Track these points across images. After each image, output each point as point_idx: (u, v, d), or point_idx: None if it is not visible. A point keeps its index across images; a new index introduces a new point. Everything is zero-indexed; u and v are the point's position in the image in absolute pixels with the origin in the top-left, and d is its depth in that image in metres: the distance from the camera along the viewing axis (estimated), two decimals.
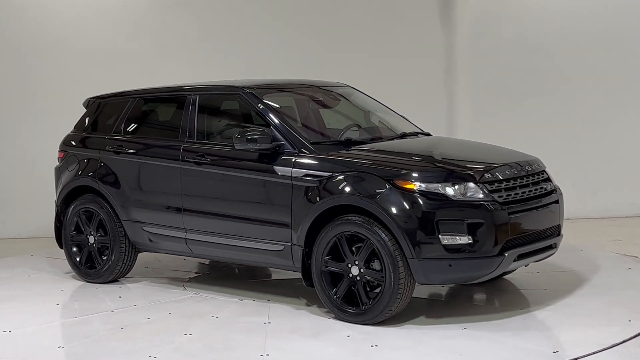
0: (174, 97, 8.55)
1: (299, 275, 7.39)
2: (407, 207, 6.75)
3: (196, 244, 8.07)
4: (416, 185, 6.80)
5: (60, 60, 11.85)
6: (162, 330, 7.07)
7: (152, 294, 8.27)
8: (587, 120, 11.88)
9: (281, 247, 7.46)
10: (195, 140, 8.11)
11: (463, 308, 7.50)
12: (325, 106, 8.64)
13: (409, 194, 6.78)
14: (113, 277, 8.75)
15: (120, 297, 8.25)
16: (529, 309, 7.35)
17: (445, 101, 12.07)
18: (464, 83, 12.03)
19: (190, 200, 8.04)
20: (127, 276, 8.93)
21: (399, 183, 6.86)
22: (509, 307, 7.41)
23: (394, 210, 6.77)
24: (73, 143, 9.14)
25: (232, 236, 7.78)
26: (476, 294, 7.99)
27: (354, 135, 8.10)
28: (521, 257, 7.00)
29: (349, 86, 9.02)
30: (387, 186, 6.86)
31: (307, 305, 7.68)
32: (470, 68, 11.96)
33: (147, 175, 8.37)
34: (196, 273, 9.19)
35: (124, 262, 8.66)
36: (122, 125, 8.78)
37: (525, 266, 7.44)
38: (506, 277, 8.26)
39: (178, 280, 8.85)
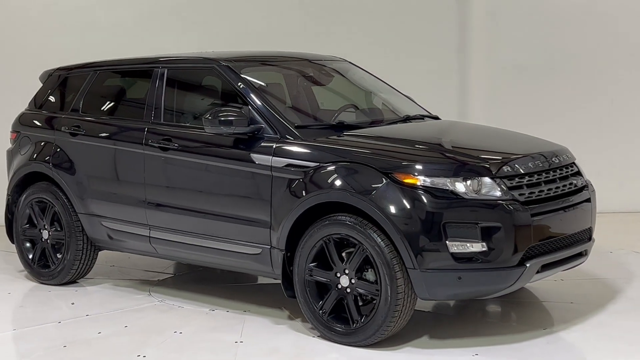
0: (140, 70, 7.39)
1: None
2: (408, 206, 5.58)
3: (161, 243, 6.89)
4: (420, 180, 5.63)
5: (19, 28, 10.54)
6: (110, 350, 5.92)
7: (110, 301, 7.11)
8: (616, 102, 10.79)
9: (258, 250, 6.29)
10: (162, 121, 6.93)
11: (474, 326, 6.36)
12: (316, 83, 7.45)
13: (410, 191, 5.60)
14: (69, 278, 7.59)
15: (73, 303, 7.10)
16: (553, 328, 6.21)
17: (457, 82, 11.01)
18: (478, 62, 11.00)
19: (155, 192, 6.86)
20: (87, 277, 7.76)
21: (399, 177, 5.67)
22: (530, 325, 6.28)
23: (392, 209, 5.60)
24: (27, 122, 7.93)
25: (202, 236, 6.62)
26: (490, 307, 6.85)
27: (349, 118, 6.88)
28: (546, 267, 5.85)
29: (346, 60, 7.82)
30: (385, 180, 5.68)
31: (290, 318, 6.51)
32: (486, 45, 10.88)
33: (106, 162, 7.20)
34: (168, 274, 7.98)
35: (82, 262, 7.49)
36: (81, 102, 7.59)
37: None
38: (525, 285, 6.98)
39: (146, 282, 7.69)
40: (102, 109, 7.54)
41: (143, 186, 6.92)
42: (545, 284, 7.09)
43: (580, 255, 6.21)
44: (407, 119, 7.03)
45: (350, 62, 7.81)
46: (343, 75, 7.61)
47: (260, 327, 6.37)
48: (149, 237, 6.95)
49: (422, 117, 7.19)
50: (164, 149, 6.77)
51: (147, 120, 6.99)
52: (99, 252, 7.66)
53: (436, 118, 7.32)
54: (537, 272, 5.76)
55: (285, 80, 7.35)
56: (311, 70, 7.49)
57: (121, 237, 7.18)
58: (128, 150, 7.01)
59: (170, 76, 7.02)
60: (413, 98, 7.67)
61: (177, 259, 7.14)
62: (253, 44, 10.26)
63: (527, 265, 5.64)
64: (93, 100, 7.58)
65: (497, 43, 10.78)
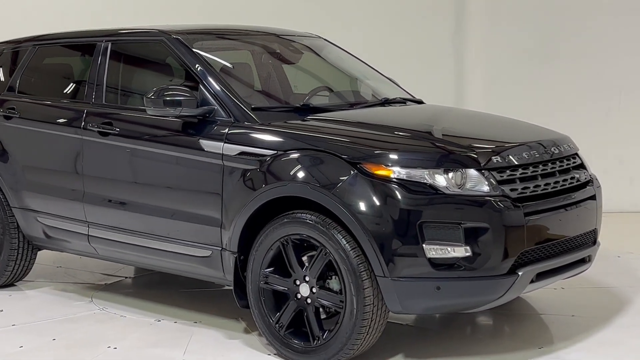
0: (81, 44, 6.50)
1: None
2: (379, 203, 4.69)
3: (101, 242, 6.01)
4: (393, 171, 4.76)
5: None
6: None
7: (44, 308, 6.25)
8: (625, 93, 10.03)
9: (208, 253, 5.41)
10: (103, 102, 6.00)
11: (459, 344, 5.46)
12: (284, 61, 6.50)
13: (382, 184, 4.73)
14: (4, 281, 6.74)
15: (1, 310, 6.20)
16: (552, 346, 5.31)
17: (453, 67, 10.27)
18: (476, 45, 10.27)
19: (94, 184, 5.98)
20: (27, 279, 6.89)
21: (369, 168, 4.79)
22: (524, 343, 5.39)
23: (359, 206, 4.73)
24: None
25: (145, 235, 5.72)
26: (480, 320, 5.96)
27: (320, 101, 5.99)
28: (542, 276, 4.98)
29: (320, 37, 6.91)
30: (352, 172, 4.80)
31: (246, 332, 5.64)
32: (484, 27, 10.13)
33: (42, 149, 6.31)
34: (120, 277, 7.08)
35: (17, 263, 6.63)
36: (18, 81, 6.67)
37: None
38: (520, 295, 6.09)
39: (91, 286, 6.77)
40: (40, 88, 6.64)
41: (81, 177, 6.03)
42: (543, 294, 6.21)
43: (583, 261, 5.33)
44: (386, 102, 6.11)
45: (325, 39, 6.90)
46: (317, 54, 6.72)
47: (209, 341, 5.50)
48: (88, 235, 6.07)
49: (403, 101, 6.27)
50: (104, 134, 5.89)
51: (87, 101, 6.09)
52: (52, 253, 6.82)
53: (420, 102, 6.40)
54: (532, 281, 4.90)
55: (254, 59, 6.45)
56: (279, 47, 6.59)
57: (58, 235, 6.30)
58: (65, 136, 6.13)
59: (114, 51, 6.13)
60: (399, 82, 6.78)
61: (119, 261, 6.24)
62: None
63: (520, 273, 4.77)
64: (31, 79, 6.69)
65: (496, 26, 10.06)
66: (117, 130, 5.82)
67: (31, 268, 6.80)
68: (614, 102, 10.05)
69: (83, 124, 6.01)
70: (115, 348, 5.38)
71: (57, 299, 6.50)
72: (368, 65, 6.84)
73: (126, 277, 7.12)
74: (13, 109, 6.52)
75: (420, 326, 5.82)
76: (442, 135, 5.32)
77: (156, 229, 5.68)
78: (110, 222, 5.93)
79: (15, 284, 6.85)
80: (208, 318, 5.92)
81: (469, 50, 10.29)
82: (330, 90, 6.39)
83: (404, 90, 6.60)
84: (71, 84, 6.53)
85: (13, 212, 6.51)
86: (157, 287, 6.85)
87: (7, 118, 6.53)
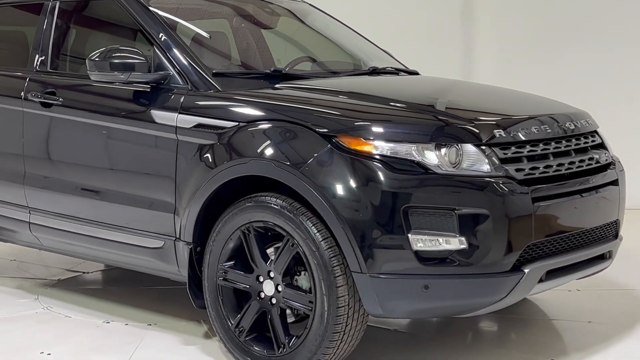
0: (29, 4, 5.66)
1: None
2: (356, 184, 3.91)
3: (44, 231, 5.23)
4: (375, 146, 3.97)
5: None
6: None
7: None
8: None
9: (160, 243, 4.64)
10: (48, 68, 5.20)
11: (457, 353, 4.65)
12: (261, 26, 5.70)
13: (361, 161, 3.95)
14: None
15: None
16: (566, 357, 4.52)
17: (462, 49, 9.65)
18: (486, 26, 9.64)
19: (35, 164, 5.19)
20: None
21: (346, 142, 4.00)
22: (533, 354, 4.58)
23: (332, 187, 3.94)
24: None
25: (91, 223, 4.91)
26: (481, 325, 5.14)
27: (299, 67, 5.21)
28: (553, 274, 4.17)
29: (305, 2, 6.08)
30: (326, 146, 3.98)
31: (207, 337, 4.87)
32: (495, 7, 9.50)
33: None
34: (77, 272, 6.30)
35: None
36: None
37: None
38: (528, 297, 5.29)
39: (43, 282, 5.98)
40: None
41: (22, 156, 5.23)
42: (556, 297, 5.43)
43: (602, 258, 4.51)
44: (374, 72, 5.30)
45: (311, 5, 6.09)
46: (301, 21, 5.92)
47: (161, 346, 4.72)
48: (29, 223, 5.27)
49: (395, 72, 5.45)
50: (46, 105, 5.08)
51: (31, 67, 5.30)
52: (8, 245, 6.15)
53: (415, 74, 5.57)
54: (541, 280, 4.09)
55: (232, 26, 5.68)
56: (254, 11, 5.78)
57: (1, 223, 5.49)
58: (4, 108, 5.33)
59: (62, 10, 5.34)
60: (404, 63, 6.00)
61: (65, 253, 5.45)
62: None
63: (526, 270, 3.97)
64: None
65: (507, 5, 9.44)
66: (61, 101, 5.02)
67: None
68: (635, 90, 9.37)
69: (24, 94, 5.21)
70: (49, 354, 4.61)
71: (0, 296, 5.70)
72: (361, 35, 6.05)
73: (85, 273, 6.33)
74: None
75: (412, 332, 5.04)
76: (436, 106, 4.51)
77: (103, 215, 4.91)
78: (52, 208, 5.16)
79: None
80: (165, 320, 5.13)
81: (478, 34, 9.71)
82: (314, 60, 5.58)
83: (399, 62, 5.78)
84: (15, 49, 5.74)
85: None
86: (116, 284, 6.08)
87: None
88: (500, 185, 3.93)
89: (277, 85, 4.66)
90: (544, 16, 9.38)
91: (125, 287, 5.91)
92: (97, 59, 4.59)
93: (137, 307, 5.39)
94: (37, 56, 5.32)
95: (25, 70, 5.35)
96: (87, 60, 4.64)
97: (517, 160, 4.08)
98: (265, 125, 4.24)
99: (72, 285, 6.00)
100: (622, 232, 4.69)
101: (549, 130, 4.29)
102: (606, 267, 4.61)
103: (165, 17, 4.96)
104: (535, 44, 9.43)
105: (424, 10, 9.54)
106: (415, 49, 8.86)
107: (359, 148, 3.99)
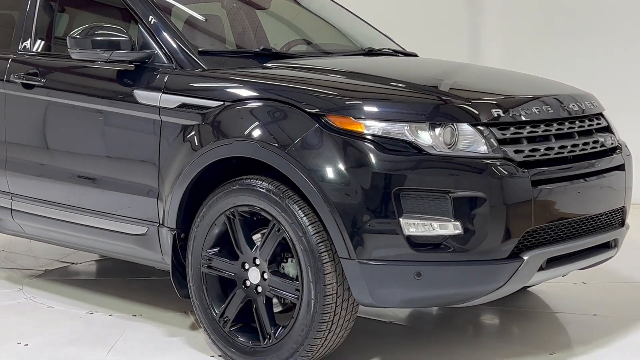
0: None
1: None
2: (345, 165, 3.70)
3: (27, 218, 5.04)
4: (365, 126, 3.77)
5: None
6: None
7: None
8: None
9: (143, 230, 4.44)
10: (32, 50, 5.01)
11: (457, 347, 4.41)
12: (253, 5, 5.50)
13: (350, 141, 3.74)
14: None
15: None
16: (569, 351, 4.30)
17: (469, 39, 9.46)
18: (492, 16, 9.46)
19: (17, 148, 5.01)
20: None
21: (335, 121, 3.80)
22: (535, 348, 4.35)
23: (320, 169, 3.74)
24: None
25: (74, 209, 4.71)
26: (482, 318, 4.91)
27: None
28: (554, 262, 3.96)
29: None
30: (314, 126, 3.74)
31: (193, 328, 4.66)
32: None
33: None
34: (66, 263, 6.10)
35: None
36: None
37: (563, 275, 4.35)
38: (531, 289, 5.20)
39: (29, 273, 5.79)
40: None
41: (4, 140, 5.04)
42: (560, 289, 5.23)
43: (607, 246, 4.28)
44: (370, 52, 5.08)
45: None
46: (298, 3, 5.71)
47: (144, 339, 4.52)
48: (11, 209, 5.07)
49: (393, 53, 5.23)
50: (28, 87, 4.88)
51: (14, 47, 5.11)
52: None
53: (413, 55, 5.35)
54: (541, 268, 3.88)
55: (227, 10, 5.48)
56: None
57: None
58: None
59: None
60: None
61: (49, 241, 5.23)
62: None
63: (525, 258, 3.77)
64: None
65: None
66: (43, 82, 4.82)
67: None
68: None
69: (6, 75, 5.02)
70: (27, 345, 4.41)
71: None
72: (360, 18, 5.86)
73: (74, 263, 6.12)
74: None
75: (410, 325, 4.83)
76: (431, 85, 4.29)
77: (86, 201, 4.72)
78: (35, 194, 4.97)
79: None
80: (151, 311, 4.94)
81: (485, 23, 9.52)
82: (309, 43, 5.38)
83: (398, 45, 5.57)
84: (3, 33, 5.54)
85: None
86: (106, 275, 5.86)
87: None
88: (498, 167, 3.72)
89: (266, 64, 4.45)
90: (551, 5, 9.22)
91: (114, 278, 5.71)
92: (78, 37, 4.40)
93: (123, 298, 5.20)
94: (21, 38, 5.13)
95: (9, 52, 5.15)
96: (67, 38, 4.45)
97: (516, 141, 3.87)
98: (250, 104, 4.04)
99: (58, 276, 5.80)
100: (628, 220, 4.46)
101: (551, 111, 4.08)
102: (611, 257, 4.39)
103: None
104: (543, 34, 9.26)
105: (431, 2, 9.43)
106: (422, 38, 8.65)
107: (348, 127, 3.79)
